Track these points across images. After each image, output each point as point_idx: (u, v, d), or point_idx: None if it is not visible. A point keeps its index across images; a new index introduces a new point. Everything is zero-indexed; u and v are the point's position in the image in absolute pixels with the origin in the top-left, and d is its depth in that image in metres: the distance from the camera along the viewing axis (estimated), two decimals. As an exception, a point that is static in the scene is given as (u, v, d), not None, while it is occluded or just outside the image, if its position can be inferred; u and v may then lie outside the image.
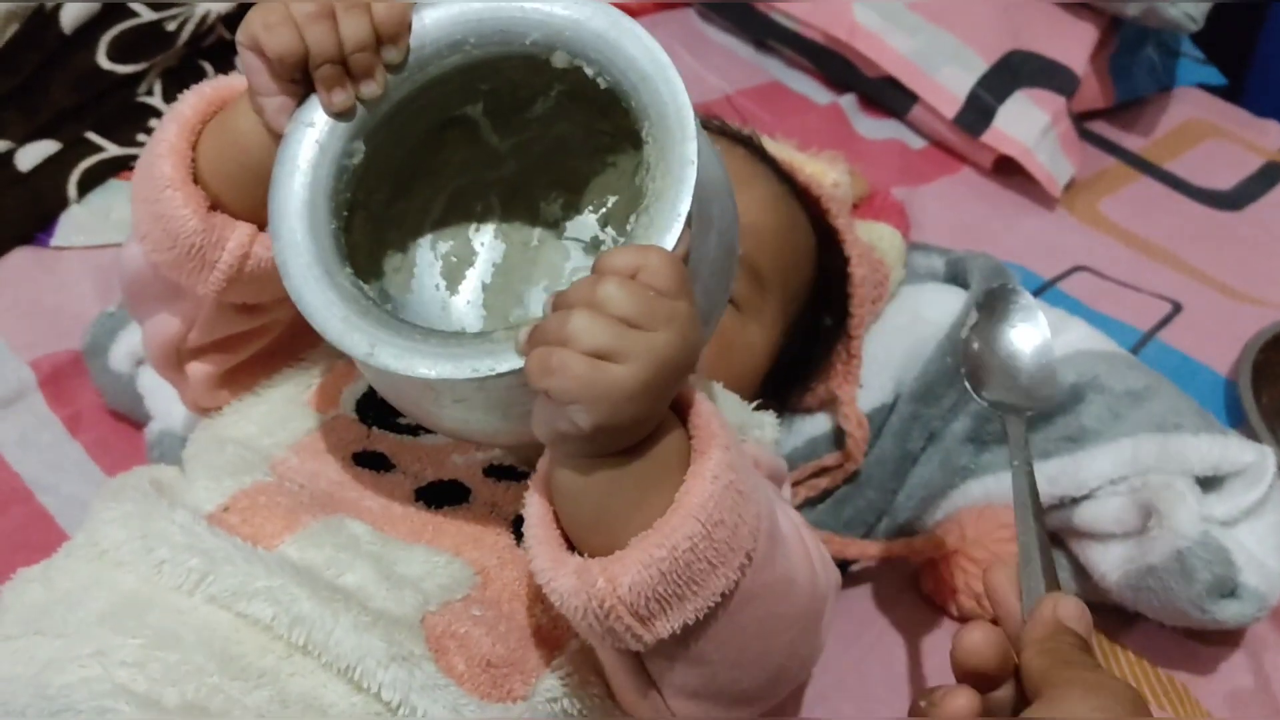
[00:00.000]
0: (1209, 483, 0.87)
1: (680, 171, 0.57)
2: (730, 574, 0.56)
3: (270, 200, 0.62)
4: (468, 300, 0.72)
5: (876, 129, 1.42)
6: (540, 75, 0.64)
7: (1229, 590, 0.84)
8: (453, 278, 0.72)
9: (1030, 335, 0.77)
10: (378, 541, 0.66)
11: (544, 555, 0.58)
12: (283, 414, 0.74)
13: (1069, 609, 0.57)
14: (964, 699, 0.53)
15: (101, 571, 0.64)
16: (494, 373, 0.56)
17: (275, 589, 0.61)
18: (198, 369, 0.75)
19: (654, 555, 0.54)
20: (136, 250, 0.70)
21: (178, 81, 1.11)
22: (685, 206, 0.57)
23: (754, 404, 0.78)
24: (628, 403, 0.53)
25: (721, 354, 0.81)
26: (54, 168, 1.12)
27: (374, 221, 0.69)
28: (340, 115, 0.63)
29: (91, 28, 1.14)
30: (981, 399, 0.76)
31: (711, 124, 0.96)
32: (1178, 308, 1.21)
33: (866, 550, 0.90)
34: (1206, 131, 1.49)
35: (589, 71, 0.61)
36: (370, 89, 0.63)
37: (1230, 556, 0.83)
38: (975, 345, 0.78)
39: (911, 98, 1.40)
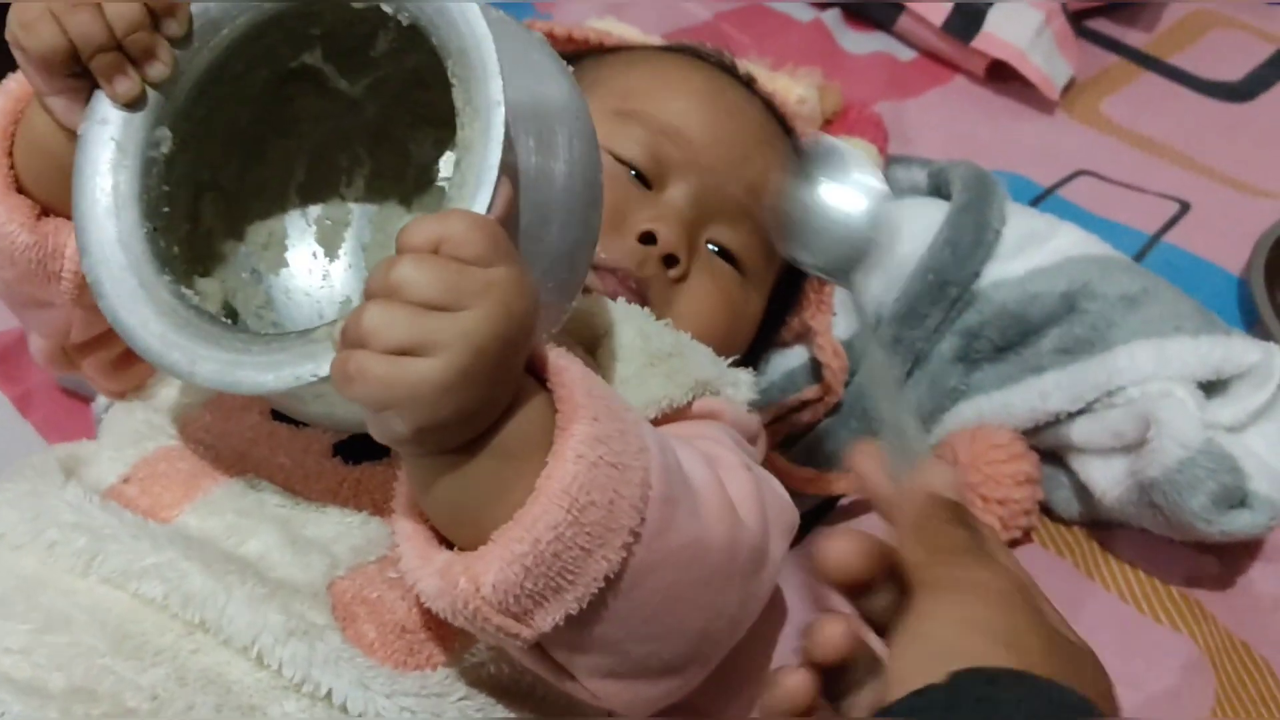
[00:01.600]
0: (1213, 387, 0.83)
1: (488, 116, 0.51)
2: (611, 555, 0.51)
3: (74, 211, 0.57)
4: (348, 265, 0.68)
5: (862, 43, 1.36)
6: (369, 10, 0.58)
7: (1238, 500, 0.79)
8: (329, 243, 0.68)
9: (843, 190, 0.69)
10: (287, 503, 0.63)
11: (410, 552, 0.53)
12: None
13: (938, 477, 0.52)
14: (837, 627, 0.48)
15: (1, 556, 0.61)
16: (315, 378, 0.51)
17: (163, 565, 0.57)
18: (92, 363, 0.72)
19: (515, 551, 0.49)
20: None
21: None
22: (496, 157, 0.50)
23: (729, 360, 0.74)
24: (445, 397, 0.47)
25: (728, 324, 0.78)
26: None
27: (229, 199, 0.65)
28: (132, 105, 0.58)
29: None
30: (807, 266, 0.70)
31: (710, 56, 0.90)
32: (1186, 207, 1.15)
33: (852, 484, 0.86)
34: (1213, 21, 1.42)
35: (387, 8, 0.55)
36: (157, 70, 0.58)
37: (1237, 464, 0.79)
38: (791, 210, 0.70)
39: (897, 7, 1.34)
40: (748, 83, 0.87)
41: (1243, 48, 1.38)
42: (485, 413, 0.50)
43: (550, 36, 0.92)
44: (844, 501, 0.89)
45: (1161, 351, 0.82)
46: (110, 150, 0.58)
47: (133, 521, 0.60)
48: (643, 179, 0.77)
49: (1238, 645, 0.82)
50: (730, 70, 0.88)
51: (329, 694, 0.56)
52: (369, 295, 0.48)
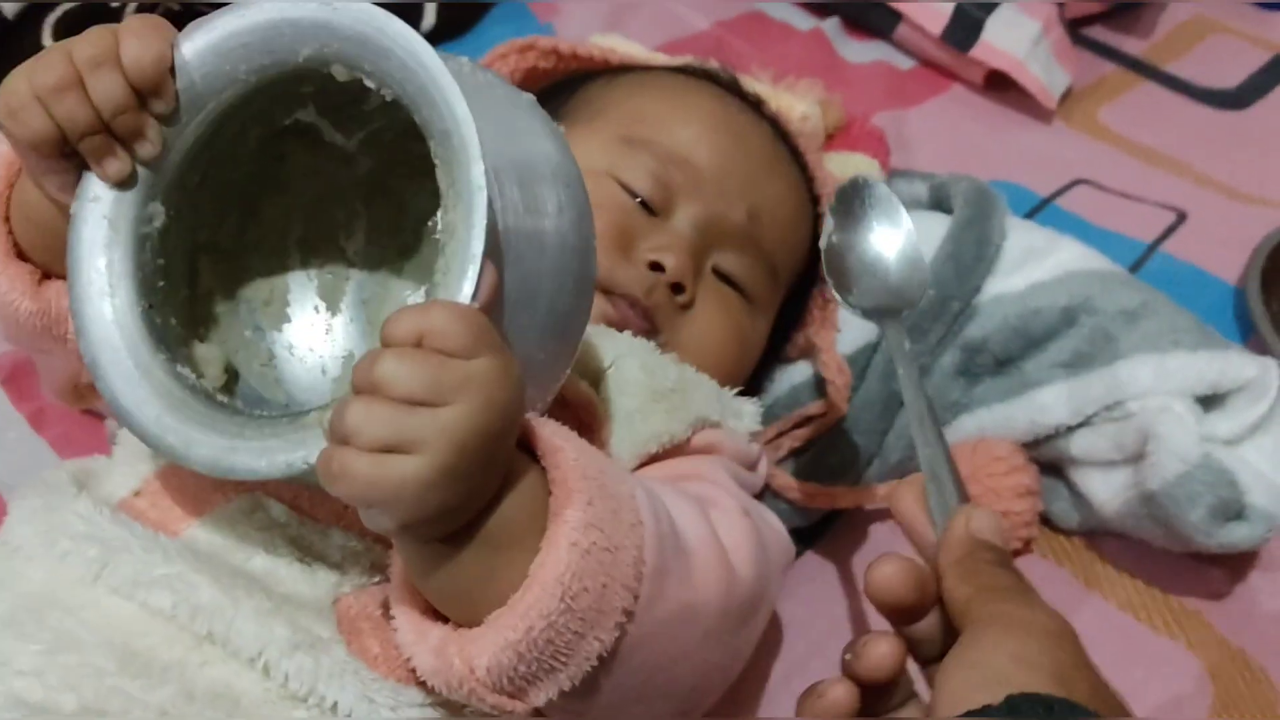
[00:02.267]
0: (1211, 401, 0.83)
1: (470, 200, 0.50)
2: (604, 636, 0.53)
3: (69, 293, 0.58)
4: (350, 318, 0.68)
5: (862, 52, 1.37)
6: None
7: (1235, 512, 0.80)
8: (331, 297, 0.68)
9: (892, 231, 0.71)
10: (293, 522, 0.64)
11: (406, 626, 0.54)
12: None
13: (982, 522, 0.53)
14: (886, 645, 0.50)
15: (12, 569, 0.62)
16: (307, 466, 0.51)
17: (173, 577, 0.58)
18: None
19: (508, 637, 0.50)
20: None
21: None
22: (480, 245, 0.50)
23: (735, 391, 0.75)
24: (429, 495, 0.48)
25: (735, 351, 0.79)
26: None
27: (227, 258, 0.65)
28: (123, 185, 0.58)
29: (34, 11, 1.11)
30: (852, 306, 0.70)
31: (719, 77, 0.90)
32: (1183, 216, 1.16)
33: (856, 498, 0.86)
34: (1209, 28, 1.43)
35: (370, 84, 0.55)
36: (146, 150, 0.58)
37: (1234, 478, 0.80)
38: (837, 250, 0.70)
39: (896, 16, 1.34)
40: (756, 104, 0.88)
41: (1239, 55, 1.39)
42: (472, 503, 0.51)
43: (554, 54, 0.92)
44: (846, 515, 0.90)
45: (1161, 366, 0.83)
46: (103, 229, 0.58)
47: (144, 534, 0.61)
48: (648, 206, 0.78)
49: (1235, 654, 0.83)
50: (739, 92, 0.88)
51: (334, 706, 0.57)
52: (355, 390, 0.49)
